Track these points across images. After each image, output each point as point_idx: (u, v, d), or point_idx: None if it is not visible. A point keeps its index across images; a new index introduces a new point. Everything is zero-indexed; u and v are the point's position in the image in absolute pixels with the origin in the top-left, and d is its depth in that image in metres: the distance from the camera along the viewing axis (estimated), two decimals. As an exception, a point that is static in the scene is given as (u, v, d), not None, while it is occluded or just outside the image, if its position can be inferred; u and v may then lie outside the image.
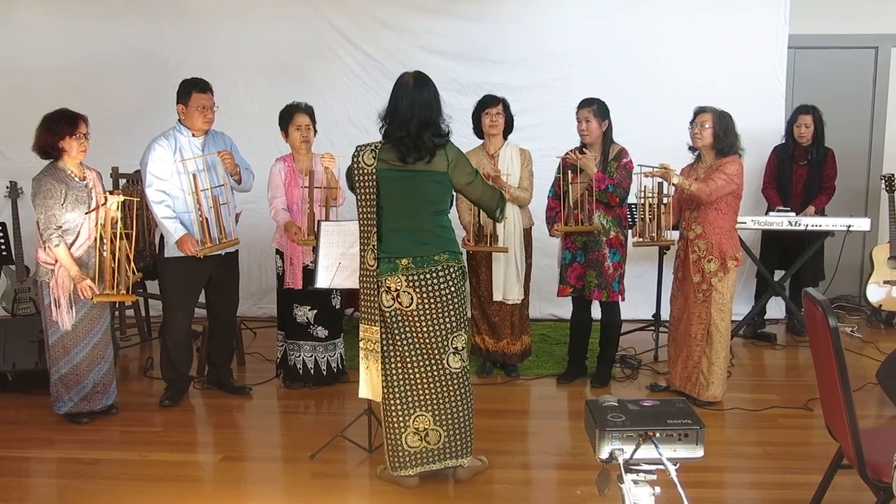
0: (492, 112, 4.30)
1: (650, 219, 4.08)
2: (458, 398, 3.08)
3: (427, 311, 3.00)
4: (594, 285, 4.20)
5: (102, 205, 3.63)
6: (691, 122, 4.05)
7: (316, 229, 3.79)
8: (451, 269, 3.03)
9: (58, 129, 3.63)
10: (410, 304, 3.00)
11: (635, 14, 5.68)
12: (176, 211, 3.89)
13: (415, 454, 3.09)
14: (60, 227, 3.63)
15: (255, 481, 3.27)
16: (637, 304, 5.40)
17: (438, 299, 3.00)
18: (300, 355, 4.34)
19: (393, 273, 3.00)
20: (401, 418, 3.07)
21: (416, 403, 3.07)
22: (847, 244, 5.02)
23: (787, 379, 4.70)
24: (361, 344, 3.14)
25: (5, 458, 3.48)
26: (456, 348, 3.06)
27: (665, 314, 4.46)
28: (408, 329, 3.03)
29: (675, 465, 1.97)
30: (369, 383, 3.14)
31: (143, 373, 4.71)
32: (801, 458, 3.39)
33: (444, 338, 3.03)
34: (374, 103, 3.29)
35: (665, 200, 4.08)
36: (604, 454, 2.00)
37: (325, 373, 4.37)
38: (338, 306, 4.41)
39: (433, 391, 3.06)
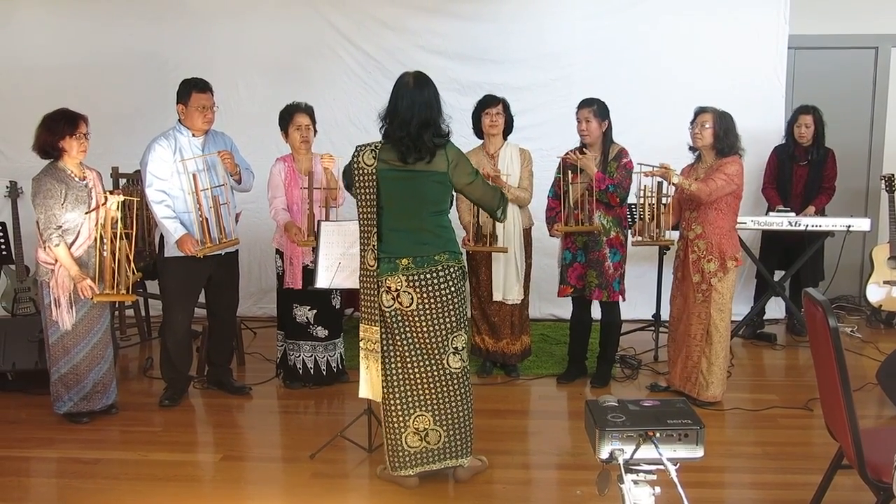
0: (492, 112, 4.30)
1: (650, 218, 4.08)
2: (458, 398, 3.08)
3: (427, 311, 3.00)
4: (595, 285, 4.20)
5: (102, 205, 3.63)
6: (692, 123, 4.05)
7: (316, 229, 3.79)
8: (452, 269, 3.03)
9: (58, 128, 3.63)
10: (410, 304, 3.00)
11: (635, 14, 5.68)
12: (176, 211, 3.89)
13: (415, 454, 3.09)
14: (60, 226, 3.63)
15: (255, 481, 3.27)
16: (637, 304, 5.39)
17: (438, 299, 3.00)
18: (300, 355, 4.34)
19: (393, 273, 3.00)
20: (401, 418, 3.07)
21: (416, 403, 3.07)
22: (847, 244, 5.02)
23: (787, 379, 4.70)
24: (361, 344, 3.14)
25: (5, 458, 3.48)
26: (456, 348, 3.06)
27: (665, 314, 4.46)
28: (408, 329, 3.03)
29: (675, 465, 1.97)
30: (369, 383, 3.14)
31: (143, 372, 4.72)
32: (801, 458, 3.39)
33: (444, 338, 3.03)
34: (374, 103, 3.29)
35: (665, 200, 4.08)
36: (604, 454, 2.00)
37: (324, 373, 4.37)
38: (338, 306, 4.41)
39: (433, 391, 3.06)
